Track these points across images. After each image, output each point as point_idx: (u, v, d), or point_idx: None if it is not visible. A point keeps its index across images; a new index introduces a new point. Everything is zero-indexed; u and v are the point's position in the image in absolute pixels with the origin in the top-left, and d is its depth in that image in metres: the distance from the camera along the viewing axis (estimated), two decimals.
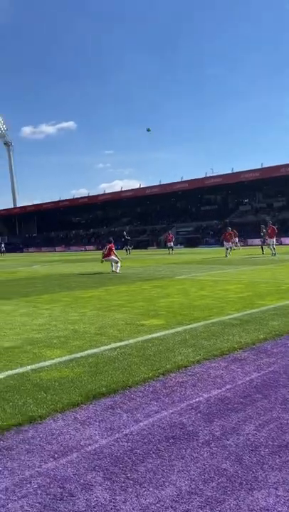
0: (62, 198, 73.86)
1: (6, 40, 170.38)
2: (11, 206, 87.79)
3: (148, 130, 26.68)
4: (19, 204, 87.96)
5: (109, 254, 16.68)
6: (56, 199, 74.58)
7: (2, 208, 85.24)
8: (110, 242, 17.12)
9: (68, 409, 3.30)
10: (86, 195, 72.54)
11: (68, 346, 5.16)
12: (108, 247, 16.78)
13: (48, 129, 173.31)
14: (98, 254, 17.89)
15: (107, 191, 70.86)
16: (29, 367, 4.37)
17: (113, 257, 16.63)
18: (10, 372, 4.21)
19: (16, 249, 66.36)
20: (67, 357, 4.69)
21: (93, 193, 73.19)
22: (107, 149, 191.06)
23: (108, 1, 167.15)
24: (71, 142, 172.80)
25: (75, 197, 73.30)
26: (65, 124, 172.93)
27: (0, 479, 2.40)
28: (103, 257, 17.00)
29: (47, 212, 76.07)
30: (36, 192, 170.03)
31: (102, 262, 17.97)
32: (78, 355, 4.76)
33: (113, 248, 16.88)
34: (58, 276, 16.19)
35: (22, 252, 64.50)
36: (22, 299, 9.75)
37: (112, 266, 16.66)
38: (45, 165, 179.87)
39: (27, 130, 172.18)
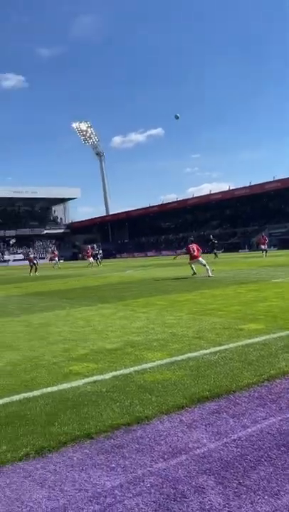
0: (151, 204, 75.29)
1: (95, 54, 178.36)
2: (104, 214, 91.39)
3: (176, 117, 25.47)
4: (111, 211, 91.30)
5: (198, 256, 16.37)
6: (146, 205, 76.25)
7: (96, 216, 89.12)
8: (193, 242, 16.91)
9: (173, 412, 3.34)
10: (175, 200, 73.17)
11: (168, 349, 5.22)
12: (195, 247, 16.47)
13: (138, 137, 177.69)
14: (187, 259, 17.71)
15: (196, 195, 70.82)
16: (132, 368, 4.50)
17: (201, 258, 16.41)
18: (115, 373, 4.36)
19: (109, 255, 68.78)
20: (168, 360, 4.75)
21: (182, 197, 73.55)
22: (194, 153, 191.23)
23: (188, 3, 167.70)
24: (159, 149, 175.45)
25: (164, 202, 74.28)
26: (153, 131, 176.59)
27: (114, 476, 2.49)
28: (191, 259, 16.64)
29: (137, 218, 77.98)
30: (127, 199, 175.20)
31: (174, 258, 17.85)
32: (178, 358, 4.79)
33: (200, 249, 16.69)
34: (151, 281, 16.47)
35: (115, 257, 66.70)
36: (119, 302, 10.08)
37: (193, 269, 16.41)
38: (134, 172, 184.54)
39: (117, 140, 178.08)
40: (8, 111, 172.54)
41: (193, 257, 16.38)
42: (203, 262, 16.18)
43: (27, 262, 31.66)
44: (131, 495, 2.29)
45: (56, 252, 42.86)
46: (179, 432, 3.01)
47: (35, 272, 27.12)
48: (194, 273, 16.14)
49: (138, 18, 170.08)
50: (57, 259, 39.99)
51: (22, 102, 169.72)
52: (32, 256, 30.80)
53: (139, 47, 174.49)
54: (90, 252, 34.95)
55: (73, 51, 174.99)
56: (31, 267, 27.81)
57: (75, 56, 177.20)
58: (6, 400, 3.77)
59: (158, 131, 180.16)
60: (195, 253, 16.33)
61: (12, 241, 77.46)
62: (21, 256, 74.19)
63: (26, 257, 36.09)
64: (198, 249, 16.33)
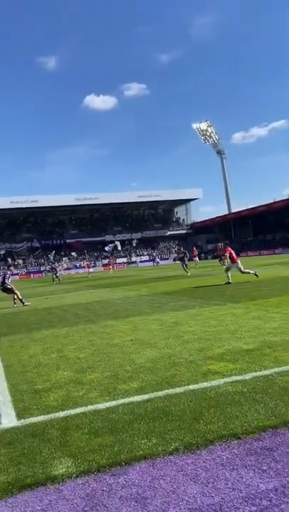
0: (276, 199, 72.19)
1: (212, 52, 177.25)
2: (226, 212, 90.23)
3: None
4: (233, 210, 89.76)
5: (237, 259, 16.63)
6: (270, 201, 73.34)
7: (218, 215, 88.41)
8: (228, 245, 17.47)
9: None
10: None
11: None
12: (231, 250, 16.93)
13: (259, 131, 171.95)
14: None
15: None
16: (273, 370, 4.36)
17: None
18: (255, 374, 4.28)
19: None
20: None
21: None
22: None
23: None
24: (283, 141, 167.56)
25: None
26: (276, 124, 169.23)
27: (267, 479, 2.44)
28: (233, 262, 16.67)
29: (262, 214, 75.39)
30: (249, 196, 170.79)
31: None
32: None
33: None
34: (278, 279, 15.79)
35: (239, 256, 65.48)
36: (250, 302, 9.85)
37: (229, 277, 16.04)
38: (256, 168, 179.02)
39: (238, 136, 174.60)
40: (130, 119, 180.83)
41: (234, 260, 16.39)
42: (238, 267, 16.26)
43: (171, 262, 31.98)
44: (288, 500, 2.22)
45: (196, 252, 42.51)
46: None
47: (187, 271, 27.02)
48: (229, 282, 15.80)
49: (256, 12, 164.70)
50: (197, 258, 39.84)
51: (143, 109, 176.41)
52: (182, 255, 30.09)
53: (257, 39, 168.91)
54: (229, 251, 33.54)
55: (190, 53, 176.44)
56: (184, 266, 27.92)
57: (192, 58, 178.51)
58: (151, 395, 3.94)
59: (281, 123, 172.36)
60: (235, 256, 16.52)
61: (134, 242, 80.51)
62: (147, 257, 76.85)
63: (177, 257, 36.44)
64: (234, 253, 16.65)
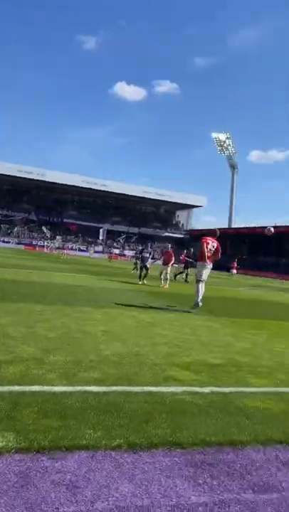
0: (277, 224, 72.39)
1: (248, 67, 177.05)
2: (226, 226, 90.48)
3: None
4: (235, 225, 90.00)
5: (168, 263, 18.01)
6: (272, 224, 73.56)
7: (218, 227, 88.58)
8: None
9: (270, 445, 3.17)
10: None
11: (273, 378, 4.98)
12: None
13: (278, 155, 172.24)
14: None
15: None
16: (232, 388, 4.38)
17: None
18: (214, 389, 4.29)
19: (222, 268, 67.79)
20: (272, 389, 4.53)
21: None
22: None
23: None
24: None
25: None
26: None
27: (200, 492, 2.46)
28: (164, 264, 18.42)
29: (260, 235, 75.62)
30: (252, 215, 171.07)
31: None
32: (284, 389, 4.55)
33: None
34: (263, 302, 15.90)
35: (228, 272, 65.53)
36: (227, 318, 9.88)
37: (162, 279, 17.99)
38: (266, 189, 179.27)
39: (255, 154, 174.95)
40: (154, 115, 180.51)
41: (164, 262, 17.96)
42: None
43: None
44: None
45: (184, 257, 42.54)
46: (273, 467, 2.85)
47: None
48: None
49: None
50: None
51: (169, 108, 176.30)
52: None
53: None
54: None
55: (227, 62, 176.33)
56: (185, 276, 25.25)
57: (228, 67, 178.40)
58: (109, 388, 3.94)
59: None
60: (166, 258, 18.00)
61: (135, 237, 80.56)
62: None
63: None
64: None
